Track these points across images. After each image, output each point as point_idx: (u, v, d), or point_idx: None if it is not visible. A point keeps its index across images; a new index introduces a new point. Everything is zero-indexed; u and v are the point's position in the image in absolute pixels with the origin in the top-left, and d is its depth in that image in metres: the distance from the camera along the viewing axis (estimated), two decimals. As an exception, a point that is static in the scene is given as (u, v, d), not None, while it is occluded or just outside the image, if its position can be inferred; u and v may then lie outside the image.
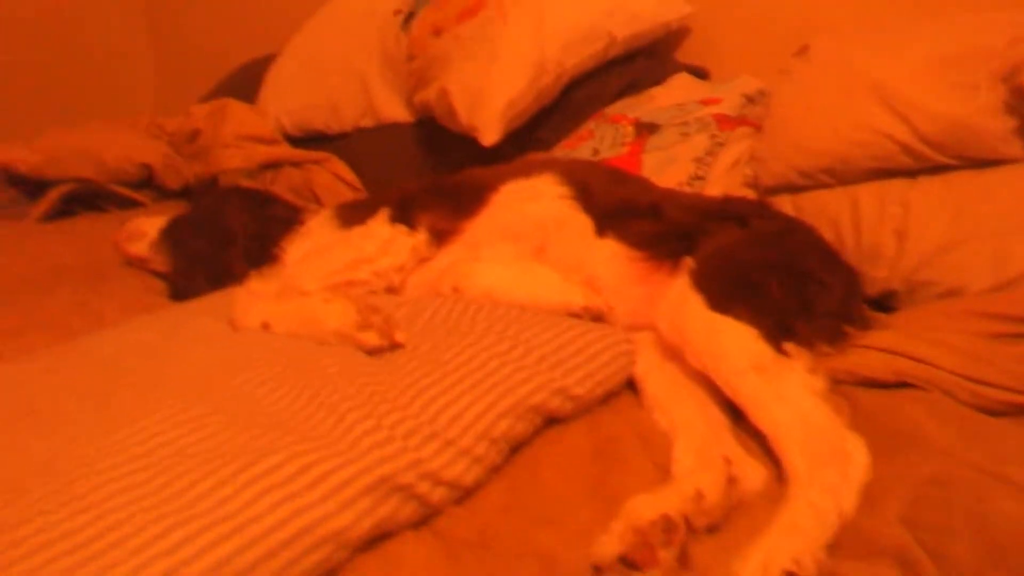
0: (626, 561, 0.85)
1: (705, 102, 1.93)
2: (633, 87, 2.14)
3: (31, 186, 2.33)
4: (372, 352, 1.20)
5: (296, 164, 2.36)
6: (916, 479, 0.97)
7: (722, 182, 1.75)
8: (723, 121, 1.85)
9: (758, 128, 1.78)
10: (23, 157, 2.30)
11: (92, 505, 0.86)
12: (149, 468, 0.92)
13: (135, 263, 1.89)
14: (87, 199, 2.35)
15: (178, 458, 0.93)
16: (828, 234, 1.50)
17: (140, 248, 1.87)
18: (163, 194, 2.43)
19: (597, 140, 1.94)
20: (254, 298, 1.34)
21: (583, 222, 1.48)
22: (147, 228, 1.88)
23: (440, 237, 1.52)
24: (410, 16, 2.34)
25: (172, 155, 2.43)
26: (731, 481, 0.99)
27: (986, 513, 0.88)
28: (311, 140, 2.51)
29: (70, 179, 2.31)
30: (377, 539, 0.94)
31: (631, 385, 1.28)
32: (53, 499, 0.87)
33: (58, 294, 1.73)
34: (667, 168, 1.79)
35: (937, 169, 1.50)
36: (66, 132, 2.44)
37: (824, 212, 1.57)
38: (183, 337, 1.28)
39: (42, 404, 1.11)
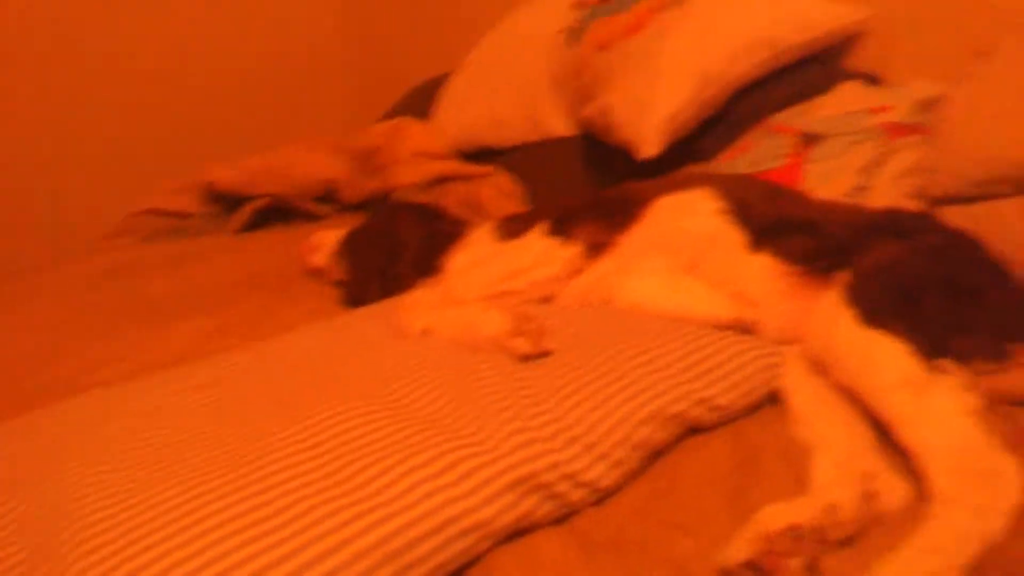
0: (753, 567, 0.87)
1: (874, 110, 1.87)
2: (800, 95, 2.10)
3: (231, 202, 2.58)
4: (523, 358, 1.27)
5: (465, 179, 2.49)
6: (1074, 506, 0.92)
7: (888, 193, 1.69)
8: (892, 130, 1.80)
9: (931, 136, 1.71)
10: (224, 175, 2.55)
11: (274, 486, 0.98)
12: (321, 457, 1.03)
13: (316, 273, 2.05)
14: (279, 213, 2.58)
15: (345, 449, 1.04)
16: (1002, 248, 1.43)
17: (320, 259, 2.03)
18: (344, 208, 2.62)
19: (757, 151, 1.93)
20: (418, 306, 1.45)
21: (737, 237, 1.48)
22: (327, 240, 2.04)
23: (594, 250, 1.57)
24: (577, 33, 2.41)
25: (352, 171, 2.62)
26: (868, 496, 0.98)
27: None
28: (480, 155, 2.63)
29: (263, 195, 2.54)
30: (517, 533, 1.01)
31: (777, 399, 1.28)
32: (240, 480, 1.00)
33: (249, 300, 1.92)
34: (830, 179, 1.76)
35: None
36: (262, 154, 2.69)
37: (1000, 225, 1.49)
38: (353, 341, 1.40)
39: (231, 402, 1.26)
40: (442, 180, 2.50)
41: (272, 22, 3.88)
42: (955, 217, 1.56)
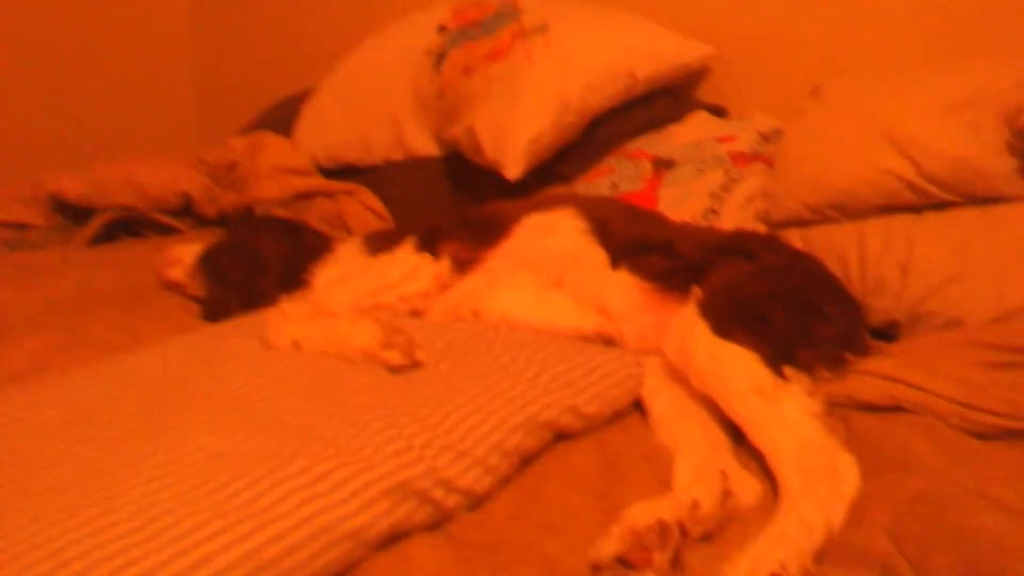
0: (622, 561, 0.92)
1: (721, 139, 2.00)
2: (653, 124, 2.21)
3: (77, 213, 2.45)
4: (395, 370, 1.27)
5: (328, 195, 2.46)
6: (903, 495, 1.02)
7: (736, 216, 1.82)
8: (738, 158, 1.93)
9: (772, 165, 1.84)
10: (71, 185, 2.41)
11: (134, 500, 0.94)
12: (187, 469, 1.00)
13: (172, 288, 1.98)
14: (129, 226, 2.46)
15: (213, 461, 1.01)
16: (835, 267, 1.56)
17: (177, 273, 1.95)
18: (201, 222, 2.53)
19: (616, 175, 2.02)
20: (286, 318, 1.43)
21: (599, 255, 1.55)
22: (184, 255, 1.96)
23: (462, 266, 1.60)
24: (442, 56, 2.44)
25: (210, 185, 2.53)
26: (727, 494, 1.05)
27: (967, 527, 0.93)
28: (343, 172, 2.61)
29: (114, 207, 2.42)
30: (393, 540, 1.01)
31: (639, 406, 1.35)
32: (100, 494, 0.95)
33: (101, 314, 1.82)
34: (683, 203, 1.86)
35: (942, 206, 1.56)
36: (112, 163, 2.56)
37: (832, 246, 1.63)
38: (217, 353, 1.36)
39: (89, 413, 1.19)
40: (304, 196, 2.46)
41: (119, 28, 3.70)
42: (794, 239, 1.70)
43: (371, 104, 2.60)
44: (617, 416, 1.31)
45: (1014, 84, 1.56)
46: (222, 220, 2.51)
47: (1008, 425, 1.14)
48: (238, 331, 1.49)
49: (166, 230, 2.48)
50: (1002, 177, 1.51)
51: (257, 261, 1.84)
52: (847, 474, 1.07)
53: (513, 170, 2.04)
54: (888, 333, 1.53)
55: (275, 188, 2.46)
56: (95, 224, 2.38)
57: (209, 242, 1.98)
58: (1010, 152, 1.52)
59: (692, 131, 2.11)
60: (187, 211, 2.54)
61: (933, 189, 1.53)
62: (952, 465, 1.07)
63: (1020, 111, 1.52)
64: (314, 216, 2.40)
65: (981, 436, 1.15)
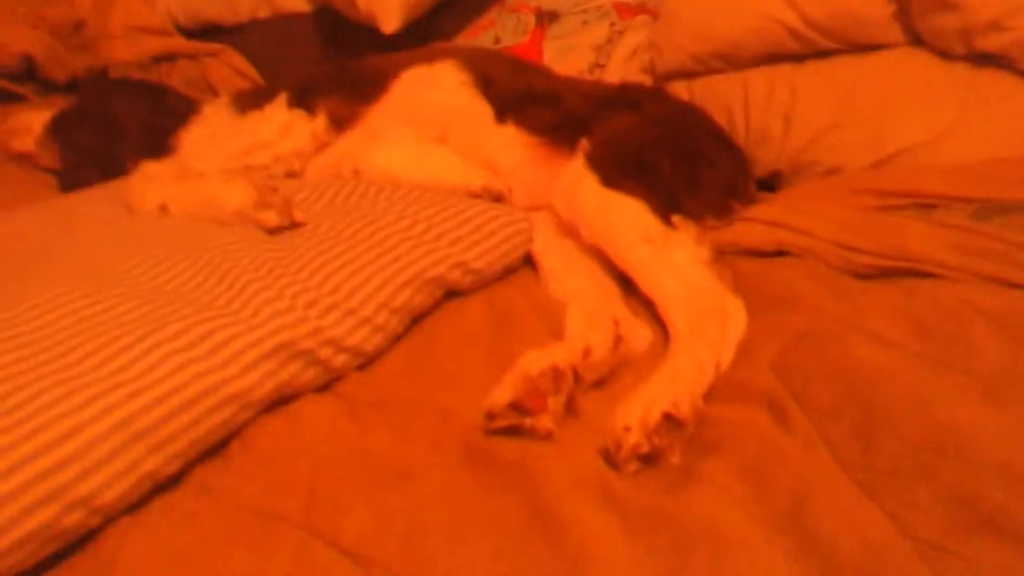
0: (517, 407, 0.91)
1: (605, -9, 1.94)
2: (535, -24, 2.13)
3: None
4: (272, 231, 1.21)
5: (191, 57, 2.28)
6: (787, 333, 1.05)
7: (621, 69, 1.78)
8: (623, 9, 1.87)
9: (656, 16, 1.80)
10: None
11: (-8, 372, 0.86)
12: (50, 338, 0.93)
13: (20, 159, 1.82)
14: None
15: (78, 328, 0.94)
16: (720, 118, 1.56)
17: (25, 143, 1.81)
18: (47, 88, 2.32)
19: (499, 29, 1.94)
20: (151, 181, 1.33)
21: (484, 109, 1.49)
22: (32, 122, 1.81)
23: (340, 123, 1.51)
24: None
25: (55, 46, 2.30)
26: (618, 340, 1.05)
27: (845, 359, 0.96)
28: (205, 33, 2.42)
29: (-57, 71, 2.18)
30: (282, 401, 0.98)
31: (530, 262, 1.33)
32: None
33: (-61, 188, 1.67)
34: (567, 56, 1.81)
35: (823, 54, 1.56)
36: (-63, 21, 2.29)
37: (717, 97, 1.62)
38: (77, 221, 1.26)
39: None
40: (165, 58, 2.27)
41: None
42: (679, 91, 1.68)
43: (232, -44, 2.39)
44: (507, 272, 1.29)
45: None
46: (72, 85, 2.31)
47: (884, 264, 1.17)
48: (98, 199, 1.39)
49: (8, 96, 2.25)
50: (881, 23, 1.50)
51: (114, 127, 1.71)
52: (735, 316, 1.09)
53: (390, 23, 1.93)
54: (771, 184, 1.55)
55: (130, 49, 2.27)
56: (-75, 90, 2.14)
57: (59, 108, 1.81)
58: (888, -2, 1.52)
59: (576, -18, 2.03)
60: (30, 75, 2.31)
61: (816, 36, 1.53)
62: (833, 303, 1.10)
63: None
64: (176, 80, 2.24)
65: (860, 276, 1.19)
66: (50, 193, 1.68)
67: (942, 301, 1.06)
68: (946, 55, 1.45)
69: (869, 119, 1.47)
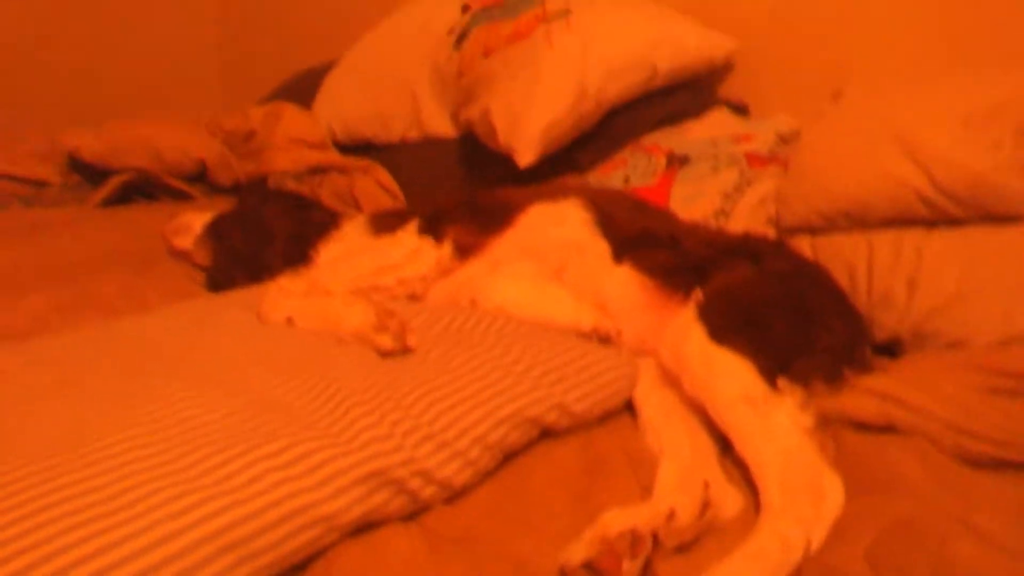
0: (591, 567, 0.91)
1: (737, 139, 1.97)
2: (672, 118, 2.18)
3: (93, 172, 2.46)
4: (385, 354, 1.26)
5: (342, 171, 2.45)
6: (886, 519, 1.00)
7: (746, 219, 1.79)
8: (754, 159, 1.89)
9: (786, 168, 1.81)
10: (89, 144, 2.42)
11: (112, 468, 0.94)
12: (165, 441, 1.00)
13: (180, 255, 1.98)
14: (143, 189, 2.47)
15: (192, 435, 1.01)
16: (842, 277, 1.54)
17: (185, 241, 1.96)
18: (214, 190, 2.54)
19: (630, 168, 1.99)
20: (283, 294, 1.43)
21: (602, 248, 1.53)
22: (193, 223, 1.96)
23: (464, 251, 1.58)
24: (463, 35, 2.42)
25: (226, 153, 2.53)
26: (707, 504, 1.03)
27: (946, 554, 0.92)
28: (359, 148, 2.60)
29: (130, 168, 2.43)
30: (366, 527, 1.01)
31: (630, 408, 1.33)
32: (80, 461, 0.95)
33: (108, 277, 1.83)
34: (695, 201, 1.84)
35: (954, 222, 1.52)
36: (130, 123, 2.56)
37: (840, 255, 1.60)
38: (213, 325, 1.37)
39: (79, 376, 1.20)
40: (318, 170, 2.45)
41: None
42: (803, 246, 1.67)
43: (391, 80, 2.59)
44: (606, 416, 1.29)
45: (1038, 100, 1.52)
46: (235, 189, 2.52)
47: (1001, 455, 1.11)
48: (237, 304, 1.49)
49: (180, 195, 2.48)
50: (1019, 196, 1.47)
51: (264, 233, 1.84)
52: (831, 493, 1.05)
53: (526, 156, 2.02)
54: (891, 349, 1.51)
55: (289, 160, 2.46)
56: (110, 185, 2.39)
57: (219, 211, 1.98)
58: (1029, 170, 1.48)
59: (709, 128, 2.08)
60: (201, 177, 2.54)
61: (947, 204, 1.50)
62: (939, 491, 1.05)
63: (1043, 129, 1.48)
64: (326, 191, 2.40)
65: (973, 464, 1.13)
66: (199, 290, 1.82)
67: (1063, 502, 1.00)
68: (1086, 233, 1.40)
69: (999, 293, 1.41)
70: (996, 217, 1.49)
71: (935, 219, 1.53)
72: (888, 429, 1.20)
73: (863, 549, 0.97)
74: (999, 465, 1.11)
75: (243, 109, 2.76)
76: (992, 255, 1.46)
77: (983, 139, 1.49)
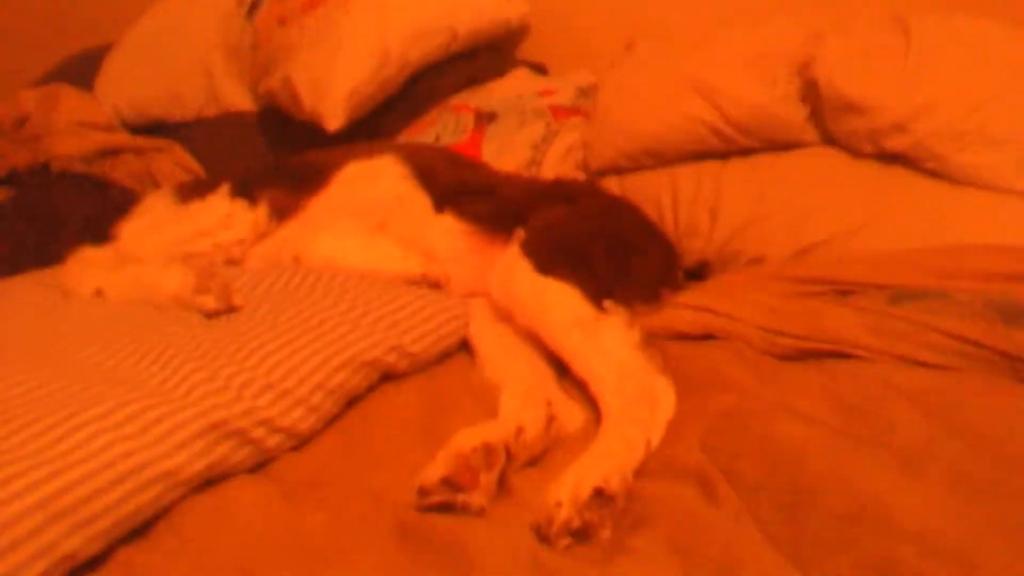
0: (449, 483, 0.91)
1: (542, 93, 2.03)
2: (475, 80, 2.21)
3: None
4: (210, 315, 1.22)
5: (137, 152, 2.31)
6: (715, 412, 1.08)
7: (557, 167, 1.85)
8: (558, 111, 1.96)
9: (589, 117, 1.89)
10: None
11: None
12: (-29, 418, 0.91)
13: (-45, 249, 1.80)
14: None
15: (2, 407, 0.93)
16: (650, 211, 1.63)
17: (-40, 235, 1.79)
18: (-12, 180, 2.32)
19: (440, 127, 2.00)
20: (88, 266, 1.33)
21: (423, 200, 1.54)
22: (-32, 215, 1.81)
23: (281, 213, 1.54)
24: (254, 6, 2.34)
25: (-1, 140, 2.32)
26: (551, 419, 1.07)
27: (770, 436, 1.00)
28: (152, 129, 2.45)
29: None
30: (213, 481, 0.97)
31: (466, 348, 1.35)
32: None
33: None
34: (505, 154, 1.88)
35: (745, 152, 1.65)
36: None
37: (647, 192, 1.70)
38: (11, 304, 1.25)
39: None
40: (109, 153, 2.29)
41: None
42: (612, 186, 1.75)
43: (180, 57, 2.46)
44: (444, 356, 1.31)
45: (803, 40, 1.67)
46: (11, 178, 2.30)
47: (806, 346, 1.22)
48: (32, 283, 1.38)
49: (-55, 189, 2.25)
50: (796, 124, 1.61)
51: (53, 219, 1.71)
52: (664, 396, 1.12)
53: (333, 122, 1.98)
54: (699, 273, 1.61)
55: (74, 144, 2.28)
56: None
57: (-3, 201, 1.82)
58: (802, 101, 1.62)
59: (513, 86, 2.12)
60: (-30, 168, 2.31)
61: (736, 135, 1.62)
62: (758, 383, 1.15)
63: (808, 64, 1.62)
64: (120, 173, 2.25)
65: (783, 358, 1.23)
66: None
67: (861, 380, 1.11)
68: (857, 154, 1.55)
69: (788, 213, 1.55)
70: (780, 145, 1.63)
71: (728, 151, 1.65)
72: (707, 337, 1.29)
73: (697, 440, 1.04)
74: (805, 356, 1.21)
75: (12, 94, 2.53)
76: (780, 180, 1.60)
77: (763, 77, 1.63)
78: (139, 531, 0.90)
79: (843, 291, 1.31)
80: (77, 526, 0.84)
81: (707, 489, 0.96)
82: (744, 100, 1.60)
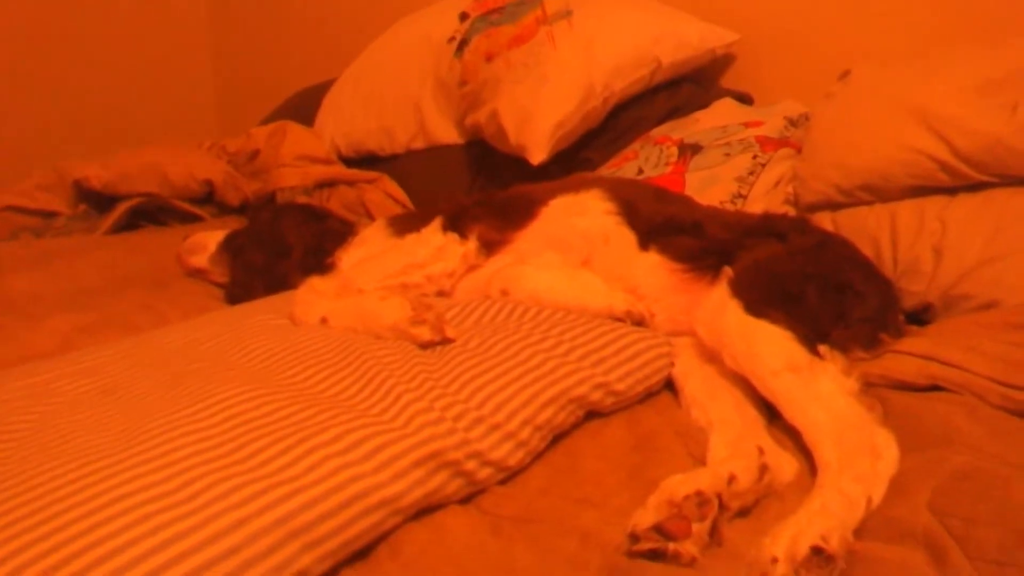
0: (661, 531, 0.90)
1: (748, 124, 1.98)
2: (678, 111, 2.21)
3: (101, 200, 2.45)
4: (425, 346, 1.27)
5: (350, 184, 2.47)
6: (944, 471, 1.00)
7: (764, 201, 1.80)
8: (765, 143, 1.91)
9: (799, 150, 1.82)
10: (96, 173, 2.41)
11: (168, 465, 0.93)
12: (219, 436, 0.99)
13: (195, 275, 1.98)
14: (151, 213, 2.47)
15: (245, 429, 1.00)
16: (867, 249, 1.54)
17: (200, 260, 1.96)
18: (223, 210, 2.54)
19: (642, 160, 2.00)
20: (315, 295, 1.43)
21: (627, 236, 1.54)
22: (207, 241, 1.97)
23: (489, 247, 1.59)
24: (464, 43, 2.43)
25: (232, 173, 2.54)
26: (763, 469, 1.03)
27: (1010, 500, 0.92)
28: (365, 161, 2.61)
29: (137, 194, 2.43)
30: (426, 511, 1.00)
31: (670, 387, 1.33)
32: (134, 460, 0.94)
33: (126, 297, 1.83)
34: (710, 187, 1.85)
35: (975, 187, 1.54)
36: (135, 151, 2.57)
37: (863, 228, 1.61)
38: (245, 329, 1.36)
39: (118, 385, 1.20)
40: (326, 184, 2.46)
41: (139, 17, 3.72)
42: (823, 223, 1.68)
43: (392, 93, 2.60)
44: (648, 395, 1.29)
45: (1048, 63, 1.54)
46: (244, 208, 2.52)
47: (1048, 404, 1.12)
48: (263, 310, 1.49)
49: (188, 218, 2.49)
50: (1036, 156, 1.48)
51: (280, 246, 1.84)
52: (886, 450, 1.05)
53: (537, 155, 2.03)
54: (922, 316, 1.51)
55: (297, 176, 2.47)
56: (119, 211, 2.39)
57: (231, 229, 1.98)
58: (1045, 132, 1.49)
59: (718, 117, 2.09)
60: (209, 199, 2.54)
61: (967, 169, 1.51)
62: (993, 442, 1.05)
63: (1056, 91, 1.49)
64: (336, 204, 2.41)
65: (1019, 414, 1.13)
66: (219, 305, 1.82)
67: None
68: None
69: (1026, 253, 1.42)
70: (1015, 180, 1.50)
71: (956, 185, 1.54)
72: (932, 388, 1.20)
73: (926, 502, 0.96)
74: (1047, 414, 1.11)
75: (245, 131, 2.77)
76: (1014, 217, 1.47)
77: (999, 104, 1.51)
78: (360, 554, 0.95)
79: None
80: (310, 545, 0.89)
81: (936, 555, 0.90)
82: (977, 131, 1.49)
